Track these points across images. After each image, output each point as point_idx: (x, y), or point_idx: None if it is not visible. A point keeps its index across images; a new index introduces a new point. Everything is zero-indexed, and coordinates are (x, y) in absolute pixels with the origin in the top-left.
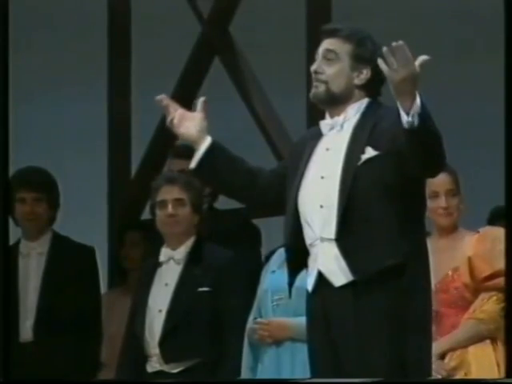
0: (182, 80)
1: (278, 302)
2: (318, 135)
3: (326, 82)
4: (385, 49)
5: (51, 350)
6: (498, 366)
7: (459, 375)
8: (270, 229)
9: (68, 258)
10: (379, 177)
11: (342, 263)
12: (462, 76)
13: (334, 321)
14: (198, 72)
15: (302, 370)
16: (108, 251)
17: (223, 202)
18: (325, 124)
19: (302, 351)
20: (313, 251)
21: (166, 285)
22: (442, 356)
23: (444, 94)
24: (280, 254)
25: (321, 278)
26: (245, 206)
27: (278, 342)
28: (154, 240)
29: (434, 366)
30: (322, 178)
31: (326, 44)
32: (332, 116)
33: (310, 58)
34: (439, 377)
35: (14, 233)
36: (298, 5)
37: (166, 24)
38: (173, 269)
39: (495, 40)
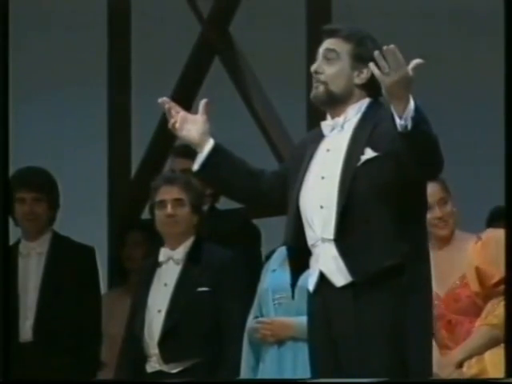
0: (182, 80)
1: (279, 300)
2: (320, 137)
3: (325, 83)
4: (376, 53)
5: (51, 349)
6: None
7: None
8: (270, 229)
9: (68, 258)
10: (378, 178)
11: (341, 264)
12: (462, 76)
13: (335, 321)
14: (198, 72)
15: (304, 370)
16: (108, 251)
17: (223, 202)
18: (326, 125)
19: (304, 350)
20: (315, 251)
21: (165, 285)
22: (460, 365)
23: (444, 93)
24: (280, 253)
25: (322, 279)
26: (245, 206)
27: (279, 342)
28: (153, 240)
29: (454, 375)
30: (323, 178)
31: (327, 44)
32: (333, 117)
33: (310, 58)
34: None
35: (14, 233)
36: (297, 5)
37: (165, 24)
38: (172, 269)
39: (495, 40)
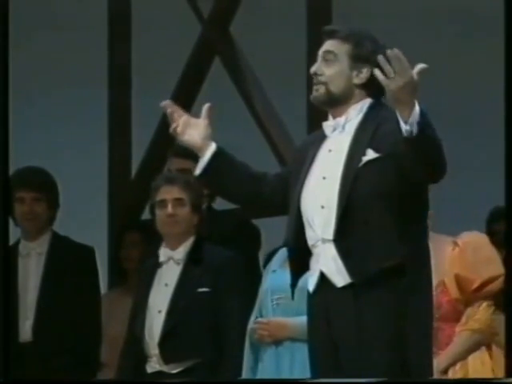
0: (182, 80)
1: (277, 301)
2: (321, 137)
3: (325, 84)
4: (380, 57)
5: (51, 350)
6: (493, 371)
7: None
8: (270, 229)
9: (68, 258)
10: (379, 179)
11: (340, 264)
12: (462, 76)
13: (335, 321)
14: (198, 72)
15: (301, 370)
16: (108, 251)
17: (223, 203)
18: (327, 125)
19: (302, 351)
20: (315, 252)
21: (166, 285)
22: (445, 371)
23: (444, 93)
24: (282, 254)
25: (323, 279)
26: (243, 207)
27: (277, 342)
28: (150, 241)
29: None
30: (324, 178)
31: (326, 45)
32: (334, 117)
33: (310, 58)
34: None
35: (14, 233)
36: (298, 5)
37: (166, 24)
38: (172, 269)
39: (495, 40)
